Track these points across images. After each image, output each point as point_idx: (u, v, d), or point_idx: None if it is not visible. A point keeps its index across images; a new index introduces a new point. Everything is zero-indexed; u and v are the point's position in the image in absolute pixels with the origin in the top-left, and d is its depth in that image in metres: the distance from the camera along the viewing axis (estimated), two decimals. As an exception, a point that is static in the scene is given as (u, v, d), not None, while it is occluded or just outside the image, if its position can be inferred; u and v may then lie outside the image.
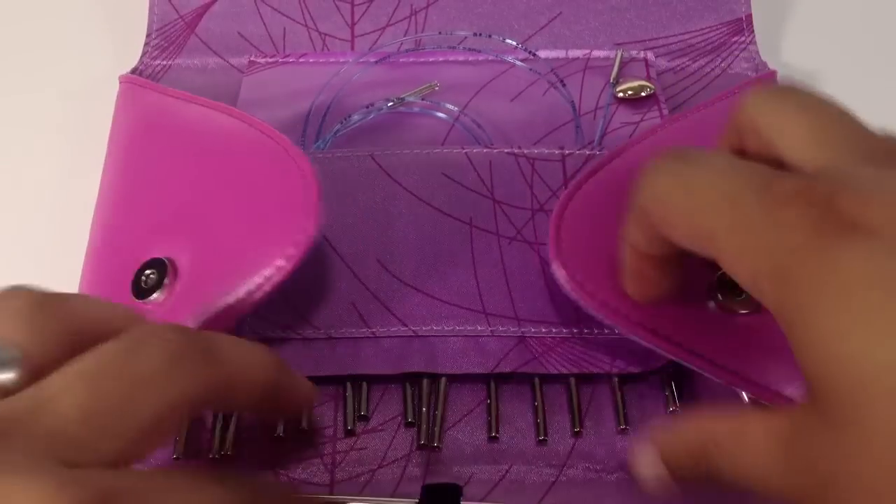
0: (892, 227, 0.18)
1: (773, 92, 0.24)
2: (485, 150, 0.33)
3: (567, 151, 0.33)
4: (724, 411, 0.22)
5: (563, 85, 0.36)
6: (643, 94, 0.35)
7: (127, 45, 0.39)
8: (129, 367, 0.19)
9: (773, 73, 0.36)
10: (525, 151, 0.33)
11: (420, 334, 0.30)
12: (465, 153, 0.33)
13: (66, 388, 0.18)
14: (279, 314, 0.31)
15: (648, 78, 0.36)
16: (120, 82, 0.36)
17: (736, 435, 0.21)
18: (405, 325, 0.30)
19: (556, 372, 0.30)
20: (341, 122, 0.35)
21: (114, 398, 0.18)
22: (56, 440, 0.17)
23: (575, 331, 0.30)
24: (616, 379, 0.30)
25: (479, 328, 0.30)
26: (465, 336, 0.30)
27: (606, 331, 0.30)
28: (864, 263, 0.17)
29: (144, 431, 0.19)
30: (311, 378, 0.30)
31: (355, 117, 0.35)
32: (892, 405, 0.16)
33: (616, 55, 0.37)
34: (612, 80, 0.36)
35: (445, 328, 0.30)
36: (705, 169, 0.22)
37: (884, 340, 0.17)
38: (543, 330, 0.30)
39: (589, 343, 0.30)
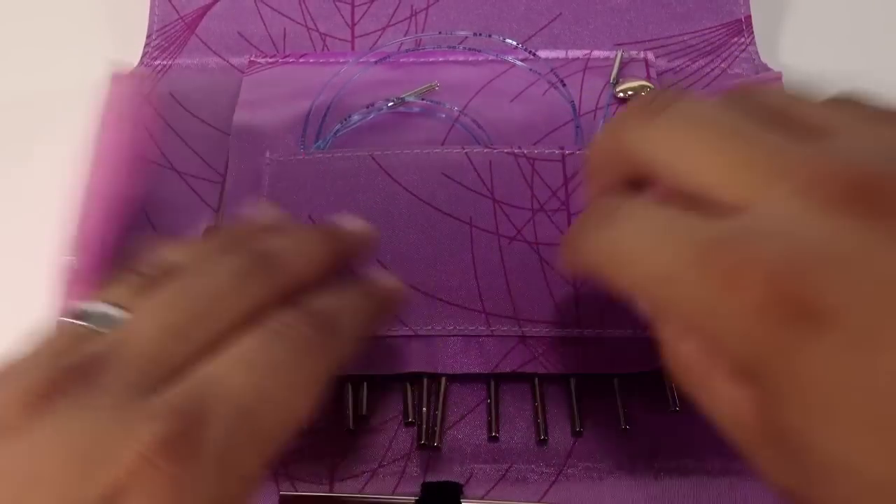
0: (852, 313, 0.16)
1: (658, 117, 0.21)
2: (485, 150, 0.33)
3: (567, 151, 0.33)
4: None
5: (564, 85, 0.36)
6: (643, 94, 0.35)
7: (128, 46, 0.39)
8: (199, 287, 0.21)
9: (778, 76, 0.36)
10: (525, 151, 0.33)
11: (420, 334, 0.30)
12: (466, 153, 0.33)
13: (146, 316, 0.20)
14: None
15: (648, 78, 0.36)
16: (112, 80, 0.35)
17: (725, 398, 0.19)
18: (405, 324, 0.30)
19: (556, 372, 0.30)
20: (341, 122, 0.35)
21: (188, 312, 0.20)
22: (139, 362, 0.19)
23: (576, 331, 0.30)
24: (616, 379, 0.30)
25: (480, 328, 0.30)
26: (466, 336, 0.30)
27: (608, 330, 0.30)
28: (826, 366, 0.16)
29: (226, 332, 0.20)
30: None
31: (355, 117, 0.35)
32: None
33: (616, 55, 0.37)
34: (611, 81, 0.36)
35: (446, 328, 0.30)
36: (634, 234, 0.20)
37: (852, 449, 0.16)
38: (544, 330, 0.30)
39: (590, 343, 0.30)
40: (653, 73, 0.37)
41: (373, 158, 0.33)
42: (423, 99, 0.36)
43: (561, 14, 0.39)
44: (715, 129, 0.20)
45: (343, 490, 0.29)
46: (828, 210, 0.18)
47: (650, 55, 0.37)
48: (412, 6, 0.39)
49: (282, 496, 0.29)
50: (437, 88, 0.36)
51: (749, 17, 0.39)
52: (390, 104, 0.35)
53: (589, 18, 0.39)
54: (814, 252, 0.17)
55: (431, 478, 0.29)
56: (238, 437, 0.19)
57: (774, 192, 0.18)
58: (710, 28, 0.39)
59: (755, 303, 0.17)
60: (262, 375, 0.20)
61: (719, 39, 0.39)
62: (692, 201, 0.20)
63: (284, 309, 0.22)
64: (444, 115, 0.35)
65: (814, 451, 0.17)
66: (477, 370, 0.30)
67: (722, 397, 0.19)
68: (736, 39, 0.38)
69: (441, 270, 0.31)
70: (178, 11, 0.40)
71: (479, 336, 0.30)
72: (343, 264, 0.25)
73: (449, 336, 0.30)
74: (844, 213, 0.17)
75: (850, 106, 0.21)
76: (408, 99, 0.36)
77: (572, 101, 0.35)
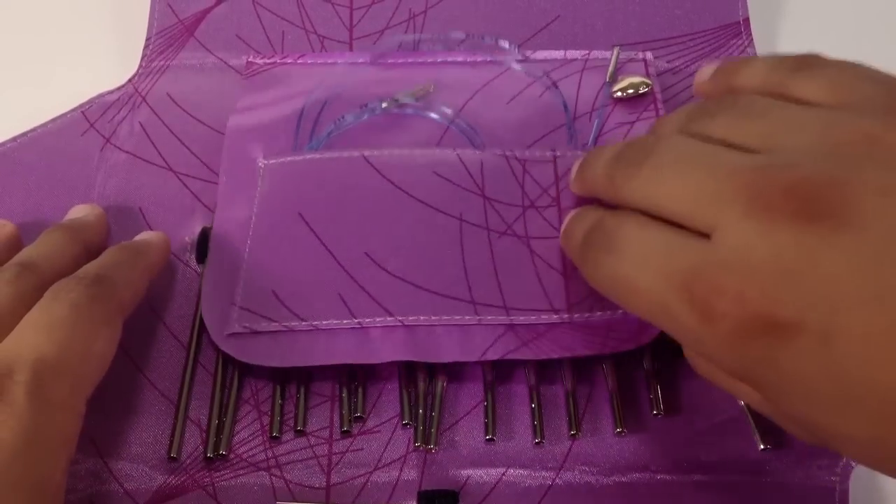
0: (808, 317, 0.19)
1: (639, 173, 0.25)
2: (477, 152, 0.33)
3: (558, 154, 0.33)
4: None
5: (556, 87, 0.36)
6: (641, 90, 0.35)
7: (131, 49, 0.39)
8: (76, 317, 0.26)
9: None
10: (517, 154, 0.33)
11: (407, 324, 0.30)
12: (458, 154, 0.33)
13: (19, 334, 0.25)
14: (266, 306, 0.30)
15: (647, 75, 0.36)
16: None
17: None
18: (391, 314, 0.30)
19: (545, 358, 0.29)
20: (335, 123, 0.35)
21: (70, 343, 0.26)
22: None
23: (566, 317, 0.30)
24: (612, 382, 0.30)
25: (467, 317, 0.30)
26: (453, 325, 0.30)
27: (598, 313, 0.30)
28: (801, 364, 0.19)
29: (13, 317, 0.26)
30: (299, 368, 0.30)
31: (349, 118, 0.35)
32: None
33: (614, 51, 0.37)
34: (608, 79, 0.36)
35: (433, 317, 0.30)
36: (632, 265, 0.24)
37: (841, 421, 0.19)
38: (532, 317, 0.30)
39: (579, 327, 0.30)
40: (652, 72, 0.36)
41: (364, 158, 0.33)
42: (417, 100, 0.36)
43: (559, 17, 0.39)
44: (679, 168, 0.23)
45: (339, 496, 0.28)
46: (771, 223, 0.20)
47: (649, 55, 0.37)
48: (410, 9, 0.39)
49: (278, 504, 0.28)
50: (431, 90, 0.36)
51: (747, 20, 0.39)
52: (384, 105, 0.35)
53: (588, 19, 0.39)
54: (765, 272, 0.20)
55: (428, 481, 0.29)
56: (44, 376, 0.24)
57: (729, 215, 0.21)
58: (708, 30, 0.39)
59: (729, 330, 0.20)
60: (49, 328, 0.25)
61: (718, 41, 0.39)
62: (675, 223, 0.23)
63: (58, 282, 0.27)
64: (438, 118, 0.35)
65: (816, 426, 0.20)
66: (464, 358, 0.29)
67: (738, 391, 0.24)
68: (735, 41, 0.38)
69: (430, 262, 0.31)
70: (177, 16, 0.40)
71: (467, 325, 0.30)
72: (93, 246, 0.31)
73: (436, 325, 0.30)
74: (784, 223, 0.20)
75: (781, 106, 0.24)
76: (402, 100, 0.35)
77: (565, 104, 0.35)
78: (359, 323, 0.30)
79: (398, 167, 0.33)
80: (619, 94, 0.35)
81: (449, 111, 0.35)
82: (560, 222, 0.32)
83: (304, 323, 0.30)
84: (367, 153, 0.33)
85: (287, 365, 0.30)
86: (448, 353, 0.30)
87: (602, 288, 0.26)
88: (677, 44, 0.39)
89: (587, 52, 0.38)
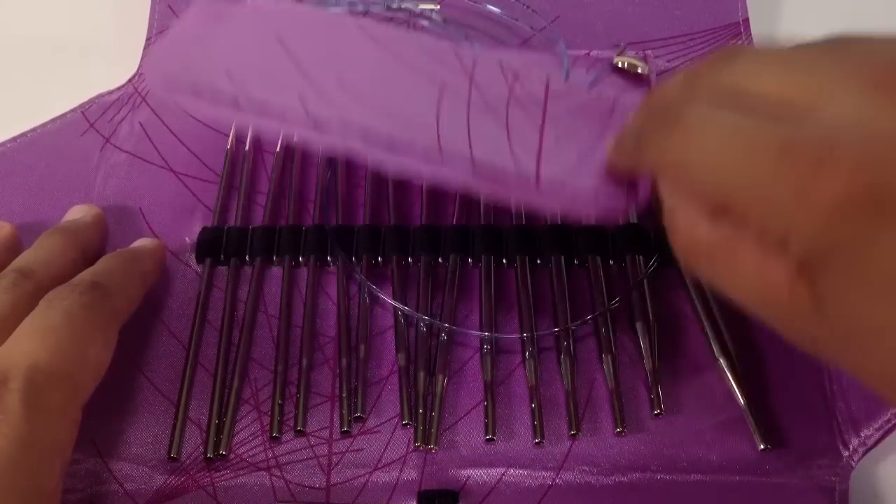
0: None
1: (734, 60, 0.22)
2: (473, 49, 0.32)
3: (553, 82, 0.31)
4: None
5: (561, 42, 0.35)
6: (638, 70, 0.35)
7: (131, 49, 0.39)
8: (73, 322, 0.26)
9: None
10: (513, 64, 0.31)
11: (366, 139, 0.28)
12: (453, 48, 0.32)
13: (14, 342, 0.26)
14: (216, 81, 0.29)
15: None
16: None
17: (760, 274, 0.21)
18: (350, 126, 0.28)
19: (509, 209, 0.29)
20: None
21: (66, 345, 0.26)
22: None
23: (532, 182, 0.28)
24: (612, 381, 0.30)
25: (430, 152, 0.28)
26: (415, 157, 0.28)
27: (568, 187, 0.28)
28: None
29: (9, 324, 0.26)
30: (299, 364, 0.30)
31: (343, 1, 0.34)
32: None
33: (622, 44, 0.37)
34: (617, 53, 0.36)
35: (395, 137, 0.28)
36: (704, 136, 0.21)
37: None
38: (498, 168, 0.28)
39: (545, 195, 0.28)
40: (651, 68, 0.37)
41: (356, 24, 0.32)
42: (420, 13, 0.35)
43: (560, 16, 0.39)
44: (779, 59, 0.21)
45: (339, 496, 0.28)
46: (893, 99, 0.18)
47: (649, 53, 0.37)
48: (410, 10, 0.39)
49: None
50: (437, 10, 0.35)
51: (747, 20, 0.39)
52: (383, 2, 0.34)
53: (588, 20, 0.39)
54: (887, 143, 0.18)
55: (428, 481, 0.29)
56: (38, 383, 0.24)
57: (842, 91, 0.19)
58: (708, 30, 0.39)
59: (831, 202, 0.18)
60: (43, 335, 0.25)
61: (718, 41, 0.39)
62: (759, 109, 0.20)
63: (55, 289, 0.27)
64: (435, 26, 0.34)
65: (872, 330, 0.18)
66: (423, 165, 0.28)
67: (747, 273, 0.21)
68: (734, 41, 0.39)
69: (404, 106, 0.29)
70: (177, 16, 0.40)
71: (431, 160, 0.28)
72: (91, 249, 0.31)
73: (400, 155, 0.28)
74: None
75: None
76: (404, 6, 0.34)
77: (564, 50, 0.35)
78: (315, 125, 0.28)
79: (390, 38, 0.31)
80: (620, 64, 0.35)
81: (447, 26, 0.34)
82: (542, 134, 0.30)
83: (252, 105, 0.29)
84: (360, 22, 0.32)
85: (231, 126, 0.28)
86: (406, 171, 0.28)
87: (665, 169, 0.23)
88: (677, 44, 0.39)
89: (587, 52, 0.38)
